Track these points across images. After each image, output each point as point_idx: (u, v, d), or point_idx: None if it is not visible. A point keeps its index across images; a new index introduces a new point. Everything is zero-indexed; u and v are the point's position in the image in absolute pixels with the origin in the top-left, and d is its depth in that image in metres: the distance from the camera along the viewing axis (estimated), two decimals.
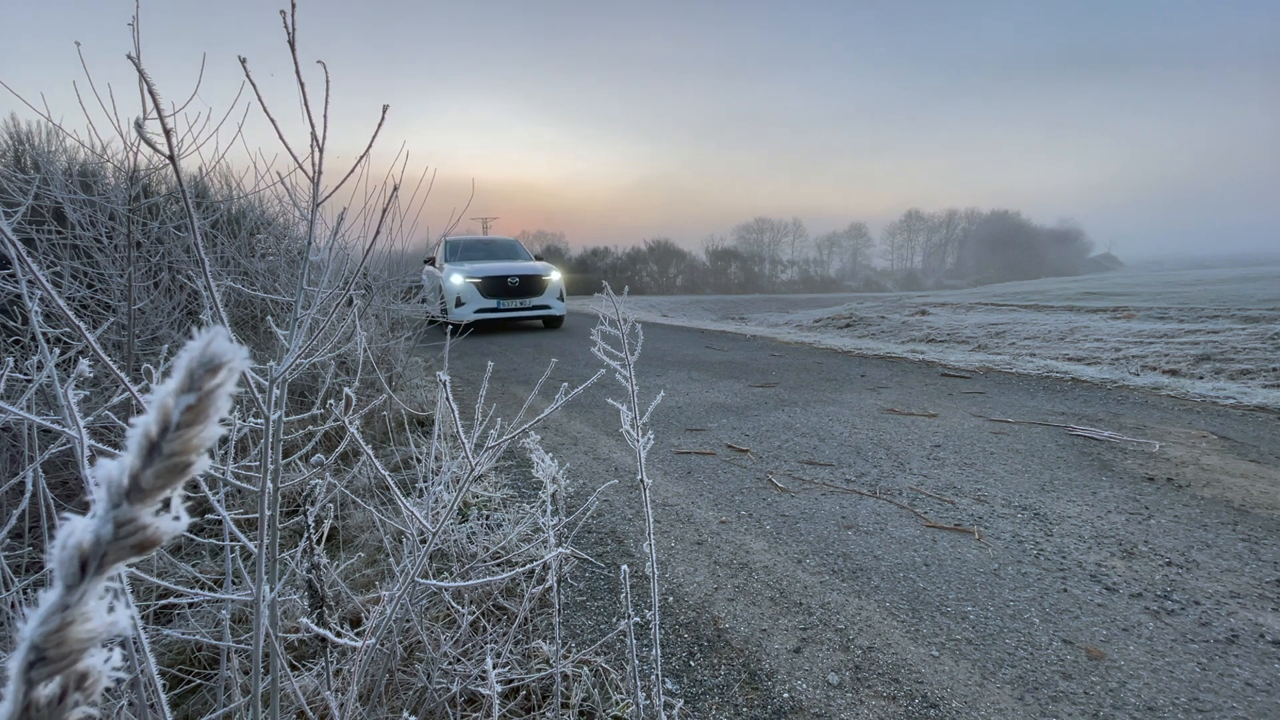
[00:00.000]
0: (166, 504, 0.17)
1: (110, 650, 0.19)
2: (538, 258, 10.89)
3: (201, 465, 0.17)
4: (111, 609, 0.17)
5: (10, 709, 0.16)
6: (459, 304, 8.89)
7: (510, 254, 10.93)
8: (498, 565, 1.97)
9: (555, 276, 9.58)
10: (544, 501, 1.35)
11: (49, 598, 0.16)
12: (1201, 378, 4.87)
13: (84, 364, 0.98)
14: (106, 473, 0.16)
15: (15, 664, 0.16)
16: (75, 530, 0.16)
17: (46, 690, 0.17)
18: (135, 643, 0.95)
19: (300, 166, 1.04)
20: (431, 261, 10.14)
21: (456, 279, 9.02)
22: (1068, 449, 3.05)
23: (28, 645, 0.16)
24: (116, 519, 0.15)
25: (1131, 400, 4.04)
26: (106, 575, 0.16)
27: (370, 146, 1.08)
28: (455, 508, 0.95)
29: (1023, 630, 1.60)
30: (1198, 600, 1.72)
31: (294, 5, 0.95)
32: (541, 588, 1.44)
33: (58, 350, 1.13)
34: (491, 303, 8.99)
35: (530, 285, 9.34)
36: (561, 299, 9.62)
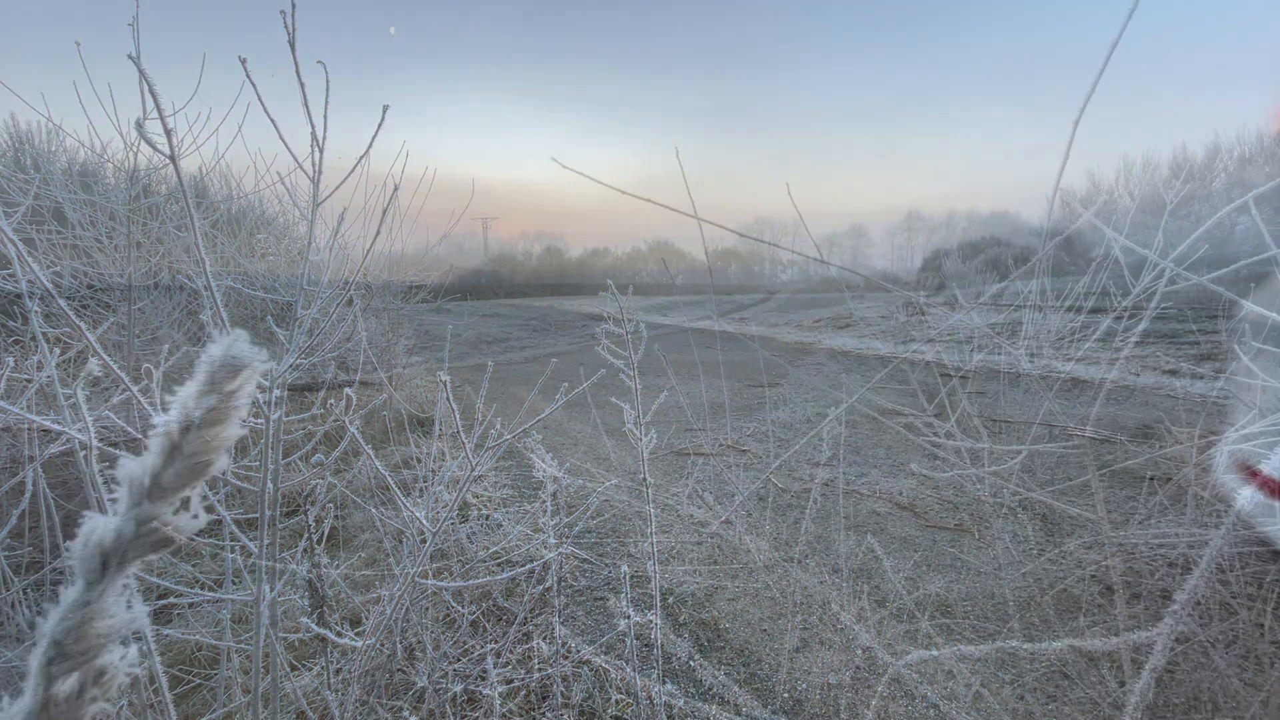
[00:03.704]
0: (185, 502, 0.17)
1: (126, 647, 0.19)
2: None
3: (220, 465, 0.17)
4: (129, 605, 0.17)
5: (30, 704, 0.16)
6: None
7: None
8: (498, 565, 1.97)
9: None
10: (544, 501, 1.35)
11: (69, 594, 0.16)
12: (1202, 377, 4.89)
13: (93, 363, 0.99)
14: (129, 472, 0.16)
15: (35, 660, 0.16)
16: (97, 528, 0.16)
17: (65, 686, 0.17)
18: (141, 643, 0.96)
19: (300, 166, 1.04)
20: None
21: None
22: (1069, 449, 3.05)
23: (48, 641, 0.16)
24: (139, 517, 0.16)
25: (1133, 401, 4.04)
26: (127, 572, 0.16)
27: (370, 147, 1.08)
28: (455, 508, 0.95)
29: (1023, 630, 1.60)
30: None
31: (294, 5, 0.95)
32: (541, 588, 1.44)
33: (58, 350, 1.13)
34: None
35: None
36: None
